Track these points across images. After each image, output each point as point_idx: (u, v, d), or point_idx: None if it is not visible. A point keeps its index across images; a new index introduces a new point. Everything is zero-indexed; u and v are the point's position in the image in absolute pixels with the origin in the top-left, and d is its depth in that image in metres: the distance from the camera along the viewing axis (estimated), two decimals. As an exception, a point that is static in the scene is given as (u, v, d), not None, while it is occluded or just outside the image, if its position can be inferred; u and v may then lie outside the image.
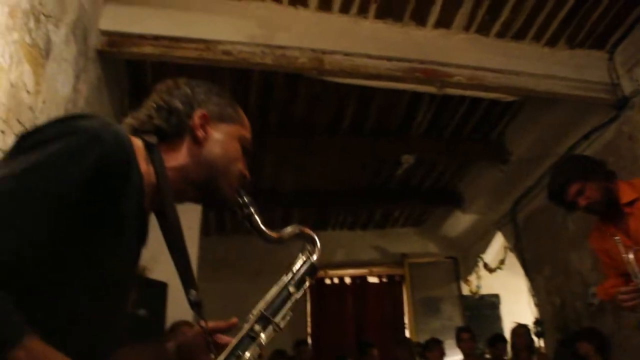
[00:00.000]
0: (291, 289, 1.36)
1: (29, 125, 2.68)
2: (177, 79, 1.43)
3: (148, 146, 1.28)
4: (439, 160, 6.80)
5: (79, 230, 1.03)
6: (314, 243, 1.46)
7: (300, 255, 1.44)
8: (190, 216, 5.28)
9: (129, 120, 1.37)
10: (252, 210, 1.41)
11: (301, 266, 1.41)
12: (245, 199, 1.42)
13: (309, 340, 8.23)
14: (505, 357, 6.06)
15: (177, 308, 4.60)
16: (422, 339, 7.44)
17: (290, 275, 1.39)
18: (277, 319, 1.31)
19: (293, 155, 6.29)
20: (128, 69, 4.56)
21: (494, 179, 6.75)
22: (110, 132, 1.11)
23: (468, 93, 4.86)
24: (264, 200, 7.12)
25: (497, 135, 6.24)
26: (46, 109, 2.88)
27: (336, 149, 6.13)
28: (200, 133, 1.35)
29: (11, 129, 2.50)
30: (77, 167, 1.03)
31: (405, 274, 8.90)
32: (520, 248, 6.93)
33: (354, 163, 6.82)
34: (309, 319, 8.64)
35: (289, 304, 1.34)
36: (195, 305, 1.28)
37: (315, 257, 1.43)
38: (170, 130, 1.34)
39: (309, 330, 8.52)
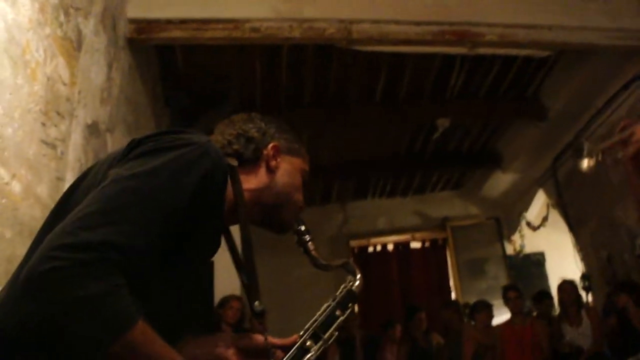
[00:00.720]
0: (337, 312, 1.47)
1: (68, 116, 2.76)
2: (251, 113, 1.58)
3: (229, 167, 1.39)
4: (475, 121, 6.74)
5: (181, 232, 1.15)
6: (355, 274, 1.55)
7: (343, 284, 1.54)
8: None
9: None
10: (309, 238, 1.55)
11: (345, 293, 1.51)
12: (303, 227, 1.56)
13: (356, 309, 8.31)
14: (553, 313, 6.03)
15: (225, 284, 4.71)
16: (469, 301, 7.44)
17: (335, 300, 1.49)
18: (326, 335, 1.43)
19: (329, 127, 6.30)
20: (158, 55, 4.61)
21: (533, 136, 6.66)
22: (215, 148, 1.26)
23: (500, 51, 4.80)
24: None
25: (533, 92, 6.14)
26: (82, 99, 2.95)
27: (371, 118, 6.13)
28: (273, 162, 1.50)
29: (51, 121, 2.58)
30: (190, 176, 1.16)
31: (448, 238, 8.90)
32: (563, 204, 6.85)
33: (390, 131, 6.79)
34: (354, 288, 8.69)
35: (335, 325, 1.45)
36: (258, 315, 1.40)
37: (356, 285, 1.52)
38: (248, 156, 1.48)
39: (355, 299, 8.59)
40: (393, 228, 9.01)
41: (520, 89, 6.04)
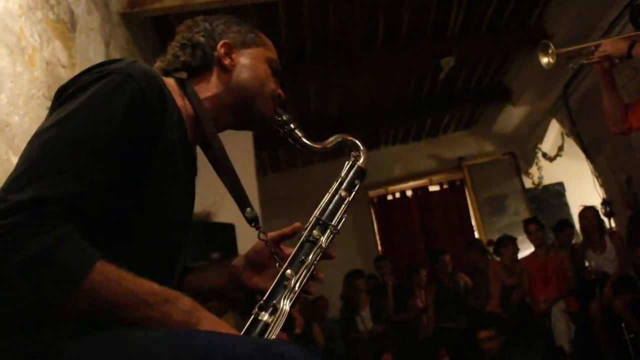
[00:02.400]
0: (343, 193, 1.40)
1: (71, 98, 2.77)
2: (195, 17, 1.48)
3: (180, 82, 1.36)
4: (480, 57, 6.65)
5: (129, 163, 1.09)
6: (357, 148, 1.48)
7: (347, 162, 1.47)
8: (244, 158, 5.38)
9: (158, 64, 1.44)
10: (293, 125, 1.46)
11: (349, 170, 1.45)
12: (284, 116, 1.46)
13: (381, 254, 8.38)
14: (574, 242, 6.03)
15: (248, 245, 4.75)
16: (493, 238, 7.45)
17: (339, 180, 1.43)
18: (334, 222, 1.36)
19: (334, 78, 6.25)
20: (154, 27, 4.59)
21: (540, 66, 6.53)
22: (139, 67, 1.17)
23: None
24: (313, 129, 7.15)
25: (536, 20, 6.03)
26: (84, 80, 2.95)
27: (375, 64, 6.07)
28: (227, 61, 1.41)
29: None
30: (114, 105, 1.08)
31: (465, 178, 8.89)
32: (577, 131, 6.80)
33: (396, 76, 6.74)
34: (377, 237, 8.78)
35: (342, 207, 1.38)
36: (252, 221, 1.37)
37: (361, 160, 1.46)
38: (198, 64, 1.40)
39: (379, 248, 8.67)
40: (410, 174, 9.01)
41: (522, 18, 5.94)
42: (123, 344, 0.97)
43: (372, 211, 8.90)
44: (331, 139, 1.49)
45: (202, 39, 1.41)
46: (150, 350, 0.97)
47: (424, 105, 7.60)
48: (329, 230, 1.34)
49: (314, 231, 1.33)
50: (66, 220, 0.96)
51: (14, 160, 2.15)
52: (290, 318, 1.22)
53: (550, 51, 2.96)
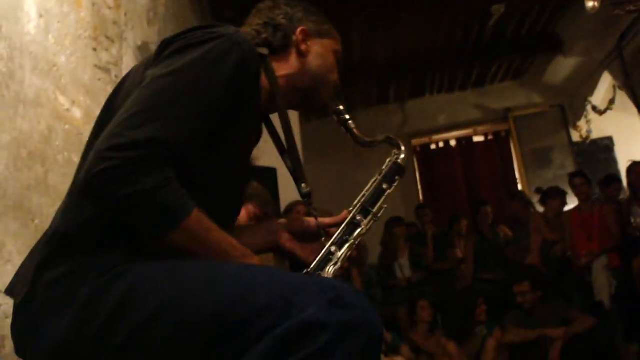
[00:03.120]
0: (384, 185, 1.52)
1: (117, 39, 2.79)
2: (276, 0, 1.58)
3: (261, 57, 1.42)
4: (532, 4, 6.43)
5: (221, 121, 1.21)
6: (399, 147, 1.58)
7: (388, 158, 1.58)
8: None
9: None
10: (348, 116, 1.58)
11: (390, 167, 1.56)
12: (341, 106, 1.59)
13: (424, 200, 8.39)
14: (621, 197, 5.91)
15: (289, 190, 4.79)
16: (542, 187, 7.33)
17: (382, 174, 1.54)
18: (375, 209, 1.49)
19: (379, 25, 6.15)
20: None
21: (594, 15, 6.30)
22: (243, 37, 1.29)
23: None
24: (357, 75, 7.11)
25: (594, -33, 5.79)
26: (130, 21, 2.98)
27: (422, 10, 5.94)
28: (304, 46, 1.52)
29: (101, 45, 2.63)
30: (224, 67, 1.21)
31: (510, 129, 8.72)
32: (630, 85, 6.58)
33: (443, 22, 6.58)
34: (419, 186, 8.75)
35: (383, 198, 1.51)
36: (306, 197, 1.47)
37: (401, 158, 1.57)
38: (278, 44, 1.50)
39: (421, 196, 8.65)
40: (454, 123, 8.90)
41: (579, -35, 5.71)
42: (191, 269, 1.10)
43: (415, 159, 8.85)
44: (380, 136, 1.60)
45: (283, 21, 1.51)
46: (216, 275, 1.08)
47: (471, 53, 7.42)
48: (370, 216, 1.47)
49: (357, 215, 1.46)
50: (172, 164, 1.09)
51: (62, 99, 2.20)
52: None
53: None
